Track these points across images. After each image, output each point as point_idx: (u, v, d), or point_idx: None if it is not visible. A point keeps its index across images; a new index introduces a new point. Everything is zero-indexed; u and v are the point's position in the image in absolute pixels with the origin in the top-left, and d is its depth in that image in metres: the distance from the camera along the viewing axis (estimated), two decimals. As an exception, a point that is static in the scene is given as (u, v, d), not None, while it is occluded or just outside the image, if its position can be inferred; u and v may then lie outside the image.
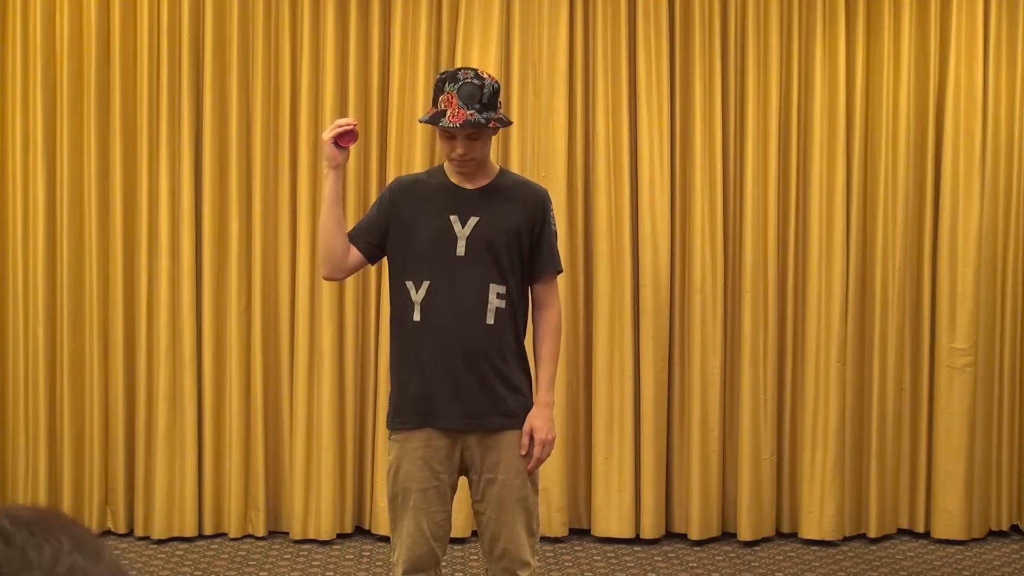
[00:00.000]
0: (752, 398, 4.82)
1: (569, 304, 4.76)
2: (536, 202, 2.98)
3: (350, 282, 4.75)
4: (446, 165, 2.99)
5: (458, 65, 4.66)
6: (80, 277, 4.70)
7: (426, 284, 2.88)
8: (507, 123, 2.95)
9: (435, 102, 2.86)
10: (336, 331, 4.73)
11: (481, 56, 4.70)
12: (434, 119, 2.85)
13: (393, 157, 4.74)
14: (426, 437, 2.91)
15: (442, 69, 4.73)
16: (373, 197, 4.76)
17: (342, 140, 2.93)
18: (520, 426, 2.93)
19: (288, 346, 4.79)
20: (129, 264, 4.72)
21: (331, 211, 2.94)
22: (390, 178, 4.71)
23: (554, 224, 3.02)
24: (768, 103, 4.82)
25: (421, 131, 4.68)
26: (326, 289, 4.70)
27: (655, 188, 4.78)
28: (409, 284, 2.91)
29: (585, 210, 4.84)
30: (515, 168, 4.68)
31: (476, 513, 2.99)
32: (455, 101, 2.82)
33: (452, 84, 2.83)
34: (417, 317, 2.89)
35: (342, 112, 4.73)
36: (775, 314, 4.87)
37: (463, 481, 3.03)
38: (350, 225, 3.10)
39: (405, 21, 4.74)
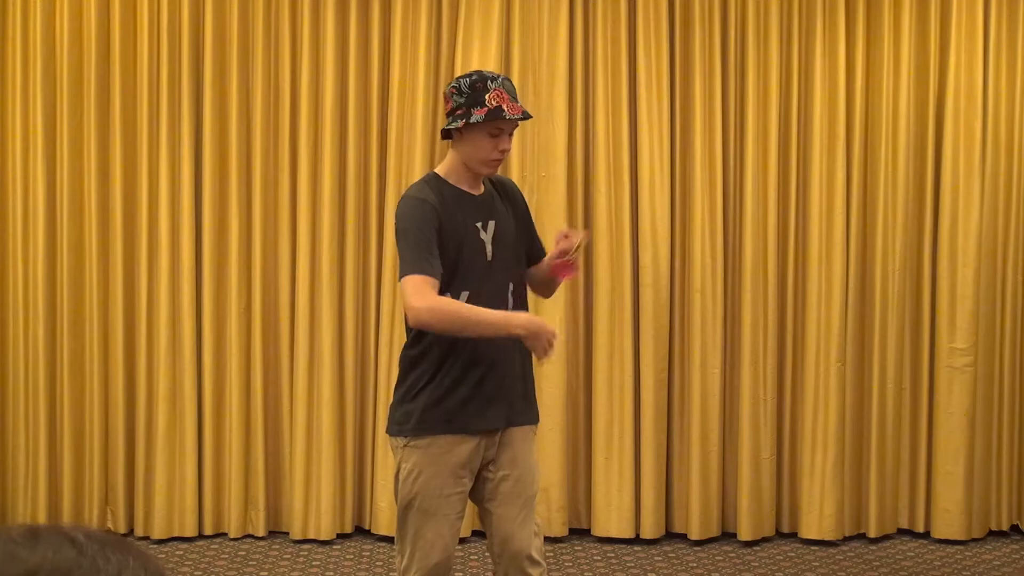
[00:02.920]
0: (752, 398, 4.82)
1: (569, 304, 4.77)
2: (517, 192, 3.10)
3: (350, 283, 4.75)
4: (446, 172, 2.91)
5: (458, 65, 4.66)
6: (80, 277, 4.69)
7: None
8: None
9: (480, 103, 2.78)
10: (336, 331, 4.73)
11: (481, 56, 4.69)
12: (495, 114, 2.78)
13: (393, 157, 4.73)
14: (454, 441, 2.86)
15: (442, 69, 4.74)
16: (373, 197, 4.76)
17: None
18: (535, 420, 3.00)
19: (288, 346, 4.78)
20: (129, 264, 4.72)
21: (489, 326, 2.80)
22: (390, 178, 4.71)
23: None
24: (768, 103, 4.82)
25: (421, 131, 4.67)
26: (326, 289, 4.70)
27: (655, 188, 4.78)
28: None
29: (585, 210, 4.84)
30: (515, 168, 4.70)
31: (486, 513, 2.95)
32: (506, 96, 2.80)
33: (494, 82, 2.82)
34: None
35: (342, 112, 4.72)
36: (775, 314, 4.86)
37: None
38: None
39: (405, 21, 4.73)
